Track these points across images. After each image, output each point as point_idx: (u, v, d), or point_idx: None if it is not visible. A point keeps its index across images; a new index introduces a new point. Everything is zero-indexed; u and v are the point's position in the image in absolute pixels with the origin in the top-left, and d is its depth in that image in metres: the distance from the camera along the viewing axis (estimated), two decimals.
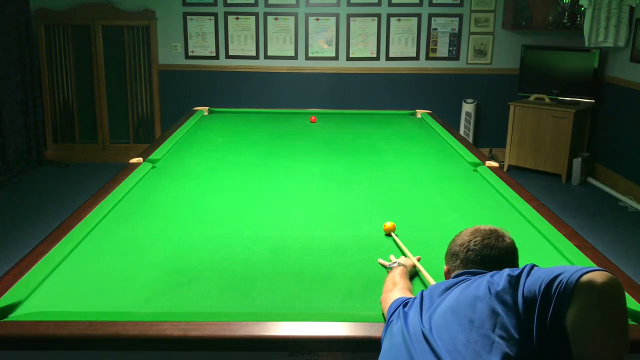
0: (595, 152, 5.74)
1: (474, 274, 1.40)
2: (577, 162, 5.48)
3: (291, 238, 2.11)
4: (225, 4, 5.93)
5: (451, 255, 1.51)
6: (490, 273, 1.30)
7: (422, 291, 1.42)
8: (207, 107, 4.51)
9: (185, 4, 5.93)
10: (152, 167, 2.96)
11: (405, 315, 1.36)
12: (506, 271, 1.25)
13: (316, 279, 1.79)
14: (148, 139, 6.07)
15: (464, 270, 1.44)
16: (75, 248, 1.96)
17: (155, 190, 2.64)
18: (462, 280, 1.37)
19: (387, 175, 2.95)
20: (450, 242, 1.55)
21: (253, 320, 1.51)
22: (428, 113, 4.41)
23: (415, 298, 1.41)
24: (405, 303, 1.42)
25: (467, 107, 6.06)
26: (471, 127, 6.11)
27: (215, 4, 5.94)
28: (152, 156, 3.10)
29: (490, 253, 1.44)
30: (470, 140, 6.03)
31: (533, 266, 1.23)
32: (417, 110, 4.51)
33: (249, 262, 1.90)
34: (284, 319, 1.52)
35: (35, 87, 5.80)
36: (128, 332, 1.45)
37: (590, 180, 5.60)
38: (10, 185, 5.29)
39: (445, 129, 3.87)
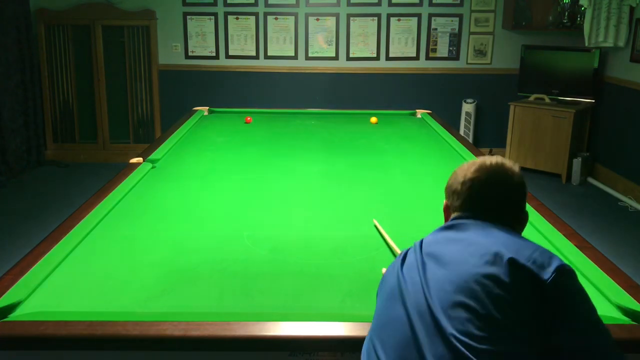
0: (595, 152, 5.74)
1: (476, 220, 1.30)
2: (577, 162, 5.48)
3: (291, 238, 2.11)
4: (225, 4, 5.93)
5: (452, 192, 1.37)
6: (506, 248, 1.19)
7: (421, 241, 1.31)
8: (207, 107, 4.51)
9: (185, 4, 5.93)
10: (152, 167, 2.95)
11: (404, 276, 1.26)
12: (530, 259, 1.16)
13: (316, 279, 1.79)
14: (148, 139, 6.07)
15: (465, 214, 1.32)
16: (75, 248, 1.96)
17: (155, 190, 2.64)
18: (462, 228, 1.28)
19: (387, 175, 2.95)
20: (452, 176, 1.39)
21: (253, 320, 1.51)
22: (428, 113, 4.41)
23: (410, 250, 1.31)
24: (403, 257, 1.32)
25: (467, 107, 6.06)
26: (471, 127, 6.11)
27: (215, 4, 5.94)
28: (152, 156, 3.09)
29: (496, 192, 1.32)
30: (470, 140, 6.03)
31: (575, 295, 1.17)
32: (417, 110, 4.50)
33: (249, 262, 1.90)
34: (284, 319, 1.52)
35: (35, 87, 5.80)
36: (128, 332, 1.45)
37: (590, 180, 5.60)
38: (10, 185, 5.29)
39: (445, 129, 3.86)
